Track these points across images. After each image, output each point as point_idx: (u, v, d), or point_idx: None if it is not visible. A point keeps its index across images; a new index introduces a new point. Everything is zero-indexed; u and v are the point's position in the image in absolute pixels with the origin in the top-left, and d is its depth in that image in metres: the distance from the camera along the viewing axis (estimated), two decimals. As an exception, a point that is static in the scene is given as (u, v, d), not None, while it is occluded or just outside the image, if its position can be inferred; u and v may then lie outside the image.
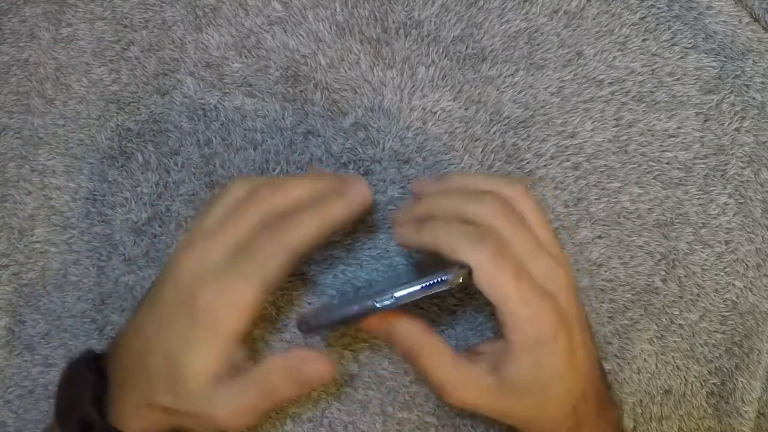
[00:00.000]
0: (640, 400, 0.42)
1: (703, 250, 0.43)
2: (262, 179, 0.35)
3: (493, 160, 0.43)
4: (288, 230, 0.32)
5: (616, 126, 0.43)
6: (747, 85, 0.43)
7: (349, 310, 0.31)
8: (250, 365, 0.33)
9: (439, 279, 0.30)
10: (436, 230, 0.33)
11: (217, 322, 0.31)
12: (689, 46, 0.44)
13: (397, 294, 0.30)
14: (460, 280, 0.30)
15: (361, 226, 0.42)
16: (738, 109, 0.43)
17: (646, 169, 0.43)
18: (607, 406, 0.37)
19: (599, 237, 0.43)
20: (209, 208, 0.35)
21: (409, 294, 0.30)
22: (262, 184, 0.34)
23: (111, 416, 0.34)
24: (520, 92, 0.43)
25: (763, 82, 0.43)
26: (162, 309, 0.33)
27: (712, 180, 0.43)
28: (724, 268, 0.43)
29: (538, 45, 0.43)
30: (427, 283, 0.30)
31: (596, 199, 0.43)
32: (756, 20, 0.43)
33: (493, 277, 0.31)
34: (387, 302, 0.30)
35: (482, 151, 0.43)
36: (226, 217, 0.34)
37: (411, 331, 0.34)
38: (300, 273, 0.42)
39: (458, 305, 0.42)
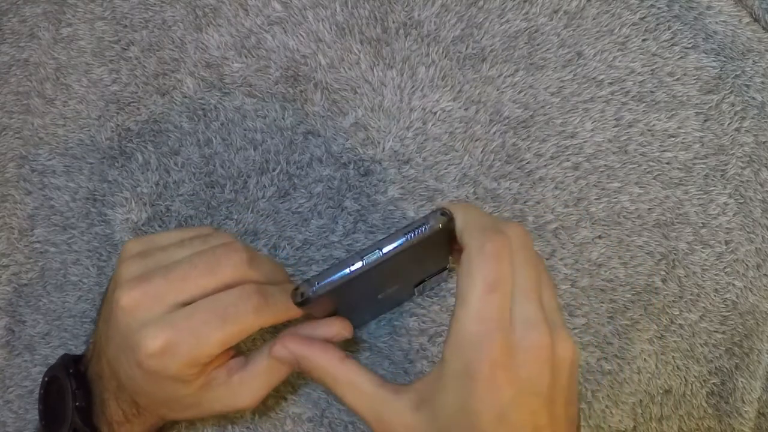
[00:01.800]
0: (640, 400, 0.42)
1: (703, 250, 0.43)
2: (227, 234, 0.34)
3: (493, 160, 0.43)
4: (263, 298, 0.31)
5: (616, 126, 0.43)
6: (747, 85, 0.43)
7: (339, 271, 0.30)
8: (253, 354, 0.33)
9: (421, 225, 0.29)
10: (469, 205, 0.30)
11: (166, 371, 0.29)
12: (689, 46, 0.44)
13: (385, 249, 0.29)
14: (440, 226, 0.29)
15: (362, 226, 0.42)
16: (738, 109, 0.43)
17: (646, 169, 0.43)
18: None
19: (599, 237, 0.43)
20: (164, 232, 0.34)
21: (396, 247, 0.29)
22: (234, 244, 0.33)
23: (98, 425, 0.34)
24: (520, 92, 0.43)
25: (763, 82, 0.43)
26: (115, 340, 0.31)
27: (712, 180, 0.43)
28: (724, 268, 0.43)
29: (538, 45, 0.43)
30: (410, 232, 0.29)
31: (596, 199, 0.43)
32: (756, 20, 0.43)
33: (471, 269, 0.27)
34: (374, 257, 0.29)
35: (482, 151, 0.43)
36: (190, 257, 0.31)
37: (322, 359, 0.31)
38: (300, 273, 0.42)
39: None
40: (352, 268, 0.29)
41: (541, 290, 0.28)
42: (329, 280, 0.30)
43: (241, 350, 0.35)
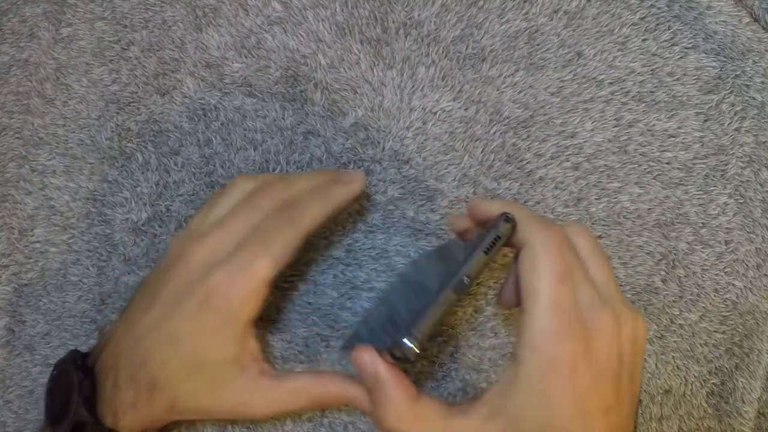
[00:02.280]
0: (640, 400, 0.42)
1: (703, 250, 0.43)
2: (269, 174, 0.36)
3: (493, 160, 0.43)
4: (295, 209, 0.33)
5: (616, 126, 0.43)
6: (747, 85, 0.43)
7: (433, 312, 0.27)
8: (280, 371, 0.34)
9: (494, 237, 0.28)
10: (510, 203, 0.31)
11: (229, 303, 0.31)
12: (689, 46, 0.44)
13: (470, 273, 0.28)
14: (510, 233, 0.28)
15: (362, 226, 0.42)
16: (738, 109, 0.43)
17: (646, 169, 0.43)
18: None
19: (599, 237, 0.43)
20: (215, 200, 0.35)
21: (477, 265, 0.28)
22: (272, 177, 0.36)
23: (102, 415, 0.34)
24: (520, 92, 0.43)
25: (763, 82, 0.43)
26: (165, 300, 0.33)
27: (712, 180, 0.43)
28: (724, 268, 0.43)
29: (538, 45, 0.43)
30: (488, 248, 0.28)
31: (596, 199, 0.43)
32: (756, 20, 0.43)
33: (538, 263, 0.27)
34: (464, 286, 0.27)
35: (482, 151, 0.43)
36: (236, 207, 0.34)
37: (395, 393, 0.29)
38: (300, 273, 0.42)
39: (458, 306, 0.42)
40: (445, 299, 0.28)
41: (598, 270, 0.29)
42: (426, 324, 0.27)
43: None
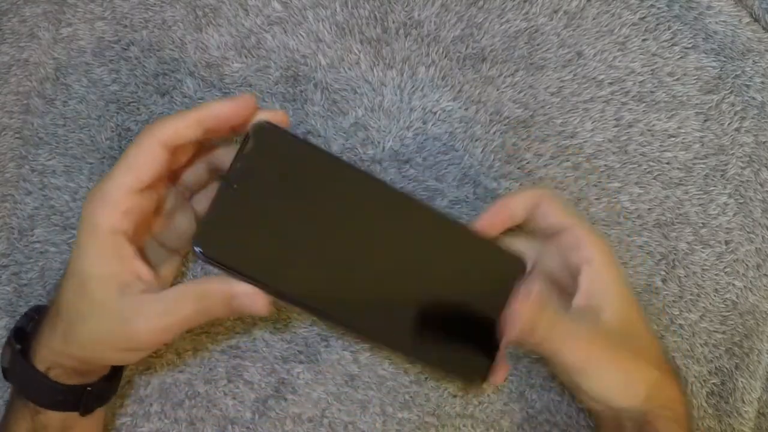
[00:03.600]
0: (640, 400, 0.42)
1: (703, 250, 0.43)
2: None
3: (493, 160, 0.43)
4: (158, 123, 0.32)
5: (616, 126, 0.43)
6: (747, 85, 0.43)
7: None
8: (169, 276, 0.35)
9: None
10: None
11: (92, 215, 0.31)
12: (689, 46, 0.44)
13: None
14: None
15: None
16: (738, 109, 0.43)
17: (646, 169, 0.43)
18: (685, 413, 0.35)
19: (599, 237, 0.43)
20: None
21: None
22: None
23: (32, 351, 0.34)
24: (520, 92, 0.43)
25: (763, 82, 0.43)
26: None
27: (712, 180, 0.43)
28: (724, 268, 0.43)
29: (538, 45, 0.43)
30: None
31: (596, 199, 0.43)
32: (756, 20, 0.43)
33: (589, 230, 0.34)
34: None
35: (482, 151, 0.43)
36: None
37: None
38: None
39: None
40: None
41: None
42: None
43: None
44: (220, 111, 0.32)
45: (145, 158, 0.32)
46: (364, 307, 0.34)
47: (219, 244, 0.32)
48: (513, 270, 0.36)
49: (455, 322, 0.35)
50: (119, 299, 0.31)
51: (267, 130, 0.32)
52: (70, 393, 0.34)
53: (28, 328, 0.36)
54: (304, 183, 0.33)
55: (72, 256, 0.33)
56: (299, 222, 0.33)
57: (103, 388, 0.36)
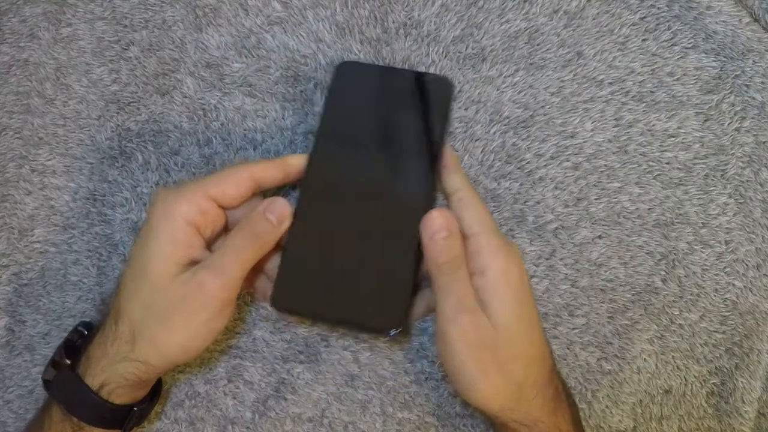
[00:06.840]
0: (640, 400, 0.42)
1: (703, 250, 0.43)
2: None
3: (493, 160, 0.43)
4: (255, 161, 0.36)
5: (616, 126, 0.43)
6: (747, 85, 0.43)
7: None
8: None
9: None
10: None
11: (172, 208, 0.33)
12: (689, 46, 0.44)
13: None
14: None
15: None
16: (738, 109, 0.43)
17: (646, 169, 0.43)
18: (565, 402, 0.36)
19: (599, 237, 0.43)
20: None
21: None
22: None
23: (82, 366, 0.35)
24: (520, 92, 0.43)
25: (763, 82, 0.43)
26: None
27: (712, 180, 0.43)
28: (724, 268, 0.43)
29: (538, 45, 0.43)
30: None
31: (596, 199, 0.43)
32: (756, 20, 0.43)
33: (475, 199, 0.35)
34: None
35: (482, 151, 0.43)
36: None
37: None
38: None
39: None
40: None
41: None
42: None
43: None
44: (273, 177, 0.36)
45: (237, 180, 0.34)
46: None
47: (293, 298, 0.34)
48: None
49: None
50: (180, 277, 0.33)
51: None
52: (119, 412, 0.35)
53: (78, 343, 0.37)
54: None
55: (138, 244, 0.34)
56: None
57: (146, 409, 0.37)
